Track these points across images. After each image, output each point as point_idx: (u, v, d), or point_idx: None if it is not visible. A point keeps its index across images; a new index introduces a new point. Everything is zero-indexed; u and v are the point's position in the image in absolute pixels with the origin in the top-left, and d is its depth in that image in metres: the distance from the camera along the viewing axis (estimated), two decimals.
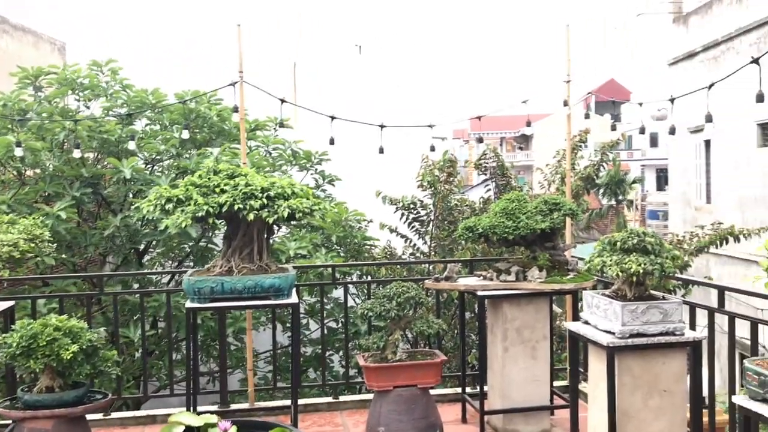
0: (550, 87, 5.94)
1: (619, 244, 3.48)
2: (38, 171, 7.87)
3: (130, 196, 8.00)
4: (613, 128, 6.13)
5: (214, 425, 3.38)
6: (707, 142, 15.66)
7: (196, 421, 3.44)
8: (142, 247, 8.50)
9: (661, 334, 3.40)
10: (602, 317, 3.52)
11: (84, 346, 3.89)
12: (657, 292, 3.58)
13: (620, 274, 3.40)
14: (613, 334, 3.40)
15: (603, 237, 3.61)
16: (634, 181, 36.63)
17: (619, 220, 33.86)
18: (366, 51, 21.06)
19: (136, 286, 7.93)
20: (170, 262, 8.79)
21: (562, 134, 8.39)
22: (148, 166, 8.67)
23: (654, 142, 52.46)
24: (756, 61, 3.98)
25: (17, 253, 4.56)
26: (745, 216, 13.29)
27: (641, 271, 3.34)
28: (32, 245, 4.69)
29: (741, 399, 2.49)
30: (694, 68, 15.85)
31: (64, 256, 7.50)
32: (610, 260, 3.43)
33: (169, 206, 4.26)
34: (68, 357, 3.80)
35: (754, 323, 3.84)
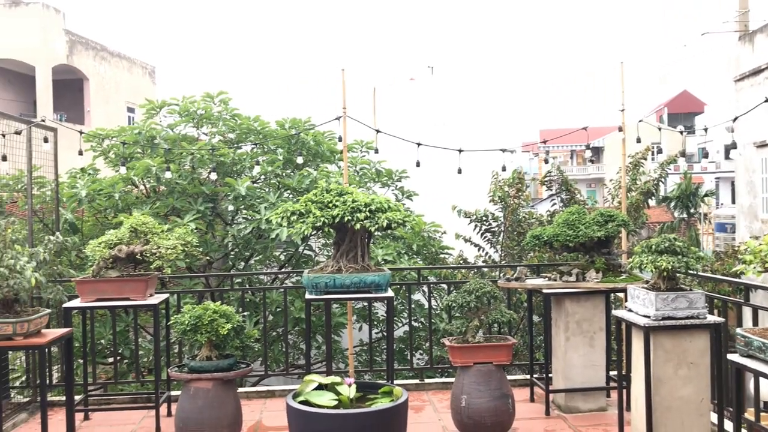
0: (619, 100, 6.68)
1: (654, 247, 4.41)
2: (164, 188, 9.27)
3: (243, 210, 9.30)
4: (655, 152, 6.94)
5: (340, 383, 4.48)
6: None
7: (325, 380, 4.54)
8: (247, 254, 9.79)
9: (687, 318, 4.31)
10: (641, 305, 4.45)
11: (234, 325, 5.08)
12: (685, 286, 4.48)
13: (654, 270, 4.33)
14: (649, 317, 4.33)
15: (642, 241, 4.54)
16: (705, 194, 36.36)
17: (691, 233, 33.59)
18: (437, 71, 22.13)
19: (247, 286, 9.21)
20: (267, 268, 10.06)
21: (630, 148, 9.16)
22: (254, 184, 9.98)
23: (728, 154, 51.31)
24: None
25: (174, 255, 5.77)
26: None
27: (670, 267, 4.27)
28: (185, 249, 5.89)
29: (734, 356, 3.40)
30: (760, 84, 16.27)
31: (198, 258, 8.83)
32: (647, 260, 4.36)
33: (293, 218, 5.39)
34: (224, 333, 4.99)
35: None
